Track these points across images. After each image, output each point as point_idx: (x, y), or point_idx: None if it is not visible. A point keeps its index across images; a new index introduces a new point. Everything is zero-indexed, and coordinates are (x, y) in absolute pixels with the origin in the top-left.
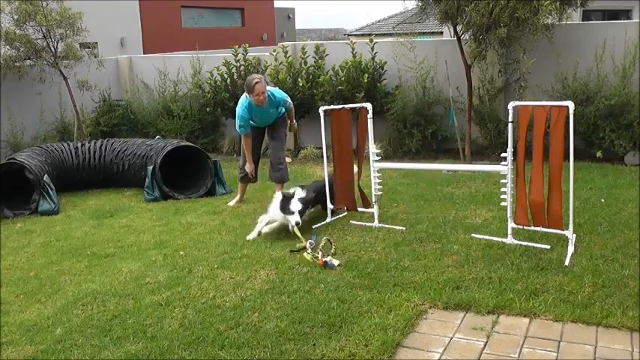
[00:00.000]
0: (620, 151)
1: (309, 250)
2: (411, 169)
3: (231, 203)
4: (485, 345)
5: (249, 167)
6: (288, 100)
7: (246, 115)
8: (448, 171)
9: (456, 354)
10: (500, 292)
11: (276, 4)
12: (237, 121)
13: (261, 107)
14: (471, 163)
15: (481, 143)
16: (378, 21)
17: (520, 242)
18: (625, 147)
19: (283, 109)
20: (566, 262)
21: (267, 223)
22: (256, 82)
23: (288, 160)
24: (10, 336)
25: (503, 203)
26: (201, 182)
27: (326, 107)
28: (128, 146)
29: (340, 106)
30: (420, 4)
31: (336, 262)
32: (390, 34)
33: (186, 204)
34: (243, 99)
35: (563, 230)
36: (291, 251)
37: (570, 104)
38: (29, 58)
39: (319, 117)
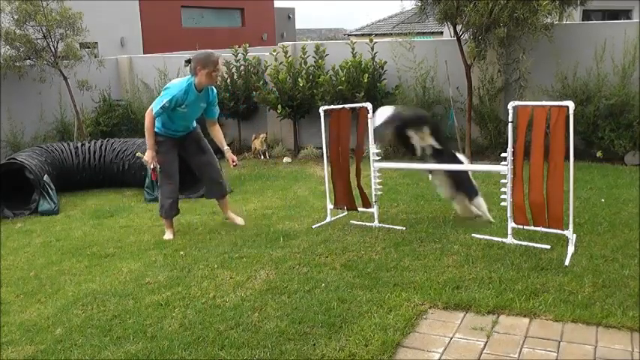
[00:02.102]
0: (620, 151)
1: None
2: (411, 169)
3: (168, 236)
4: (485, 345)
5: (150, 155)
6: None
7: (181, 97)
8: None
9: (456, 354)
10: (500, 292)
11: (276, 4)
12: (163, 100)
13: (198, 95)
14: (471, 163)
15: (481, 143)
16: (378, 21)
17: (520, 242)
18: (625, 147)
19: (195, 124)
20: (566, 262)
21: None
22: (218, 57)
23: (288, 160)
24: (10, 336)
25: (503, 203)
26: (202, 182)
27: (326, 107)
28: (128, 146)
29: (340, 106)
30: (419, 4)
31: None
32: (390, 34)
33: (186, 204)
34: (183, 80)
35: (563, 230)
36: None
37: (570, 104)
38: (29, 58)
39: (319, 117)
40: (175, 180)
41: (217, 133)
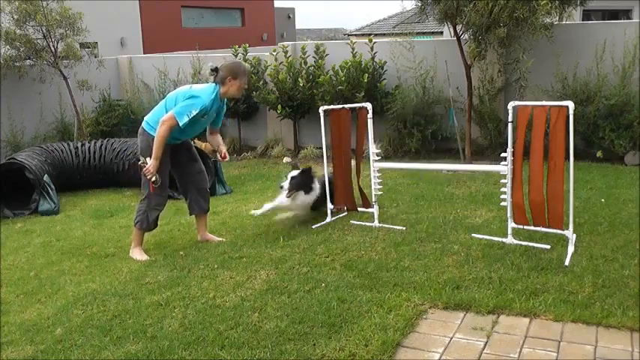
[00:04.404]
0: (620, 151)
1: None
2: (411, 169)
3: (140, 257)
4: (485, 345)
5: (155, 167)
6: None
7: (209, 107)
8: (448, 171)
9: (456, 354)
10: (500, 292)
11: (276, 4)
12: (192, 110)
13: (219, 104)
14: (471, 163)
15: (481, 143)
16: (378, 21)
17: (520, 242)
18: (625, 147)
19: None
20: (566, 262)
21: (275, 210)
22: (247, 68)
23: (288, 159)
24: (10, 336)
25: (503, 203)
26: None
27: (326, 107)
28: (128, 146)
29: (340, 106)
30: (419, 4)
31: None
32: (390, 34)
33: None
34: (210, 88)
35: (563, 230)
36: None
37: (570, 104)
38: (29, 58)
39: (319, 117)
40: (166, 192)
41: (218, 139)
